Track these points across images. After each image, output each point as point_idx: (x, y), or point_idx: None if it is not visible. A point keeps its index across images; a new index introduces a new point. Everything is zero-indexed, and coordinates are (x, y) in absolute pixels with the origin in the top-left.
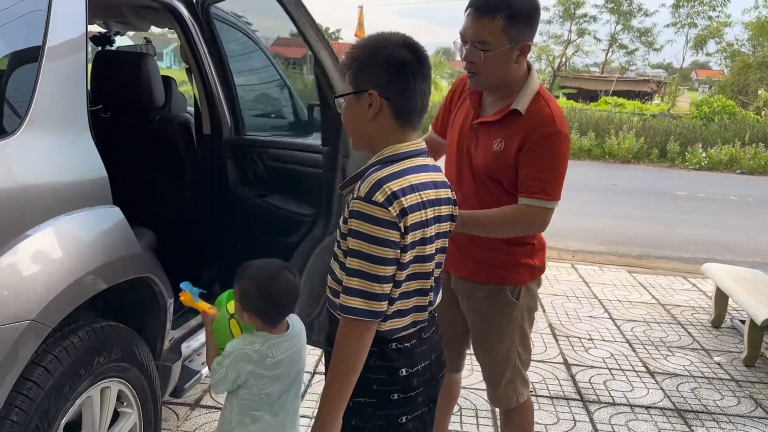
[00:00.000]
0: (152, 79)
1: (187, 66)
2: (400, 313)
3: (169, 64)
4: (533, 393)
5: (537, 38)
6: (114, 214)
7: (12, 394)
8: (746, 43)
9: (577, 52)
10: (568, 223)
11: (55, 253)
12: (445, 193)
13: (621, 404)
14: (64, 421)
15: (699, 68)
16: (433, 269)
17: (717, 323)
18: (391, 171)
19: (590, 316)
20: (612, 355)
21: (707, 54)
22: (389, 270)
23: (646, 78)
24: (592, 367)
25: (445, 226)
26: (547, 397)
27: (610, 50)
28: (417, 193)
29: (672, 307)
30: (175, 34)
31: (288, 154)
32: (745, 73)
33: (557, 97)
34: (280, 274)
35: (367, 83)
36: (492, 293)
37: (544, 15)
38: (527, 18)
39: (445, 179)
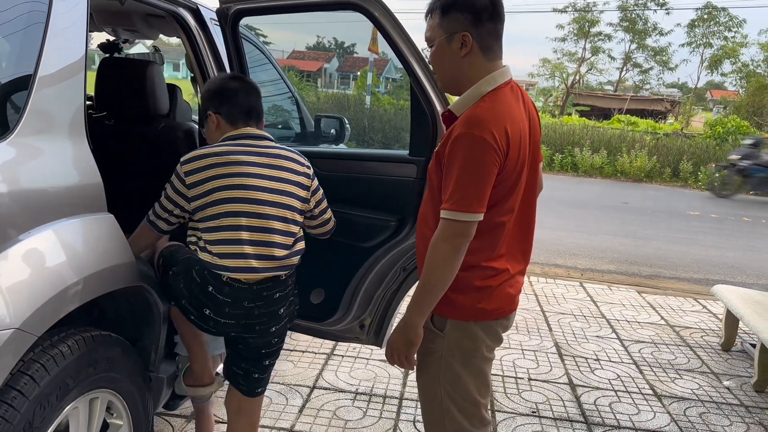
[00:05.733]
0: (156, 87)
1: (192, 75)
2: None
3: (185, 75)
4: (536, 414)
5: (551, 55)
6: (107, 222)
7: None
8: (762, 64)
9: (591, 69)
10: (577, 241)
11: (44, 261)
12: None
13: (626, 428)
14: None
15: (714, 88)
16: None
17: (727, 347)
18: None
19: (597, 336)
20: (618, 376)
21: (722, 74)
22: None
23: (660, 97)
24: (598, 388)
25: None
26: (550, 418)
27: (625, 69)
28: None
29: (681, 328)
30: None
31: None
32: (761, 94)
33: (569, 114)
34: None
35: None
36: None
37: (558, 33)
38: (463, 5)
39: None
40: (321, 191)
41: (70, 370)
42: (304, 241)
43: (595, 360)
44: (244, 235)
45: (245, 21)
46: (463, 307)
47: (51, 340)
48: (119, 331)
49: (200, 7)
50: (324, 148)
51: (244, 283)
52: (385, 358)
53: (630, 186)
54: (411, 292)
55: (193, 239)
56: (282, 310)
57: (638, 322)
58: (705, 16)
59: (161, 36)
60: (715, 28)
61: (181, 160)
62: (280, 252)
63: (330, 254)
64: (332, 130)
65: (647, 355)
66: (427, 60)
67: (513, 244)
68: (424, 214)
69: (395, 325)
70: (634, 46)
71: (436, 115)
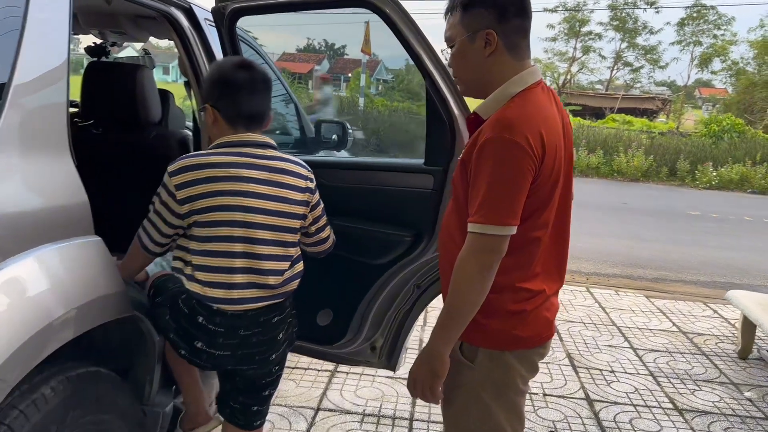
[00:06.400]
0: (147, 93)
1: (186, 79)
2: None
3: (175, 78)
4: None
5: (542, 55)
6: (95, 246)
7: None
8: (752, 61)
9: (582, 69)
10: (580, 243)
11: (23, 295)
12: None
13: None
14: None
15: (702, 86)
16: None
17: (744, 354)
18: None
19: (610, 346)
20: (636, 389)
21: (712, 72)
22: None
23: (651, 96)
24: (616, 403)
25: None
26: None
27: (615, 68)
28: None
29: (694, 335)
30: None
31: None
32: (751, 91)
33: None
34: None
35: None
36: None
37: (549, 32)
38: (488, 2)
39: None
40: (321, 206)
41: (54, 415)
42: (302, 261)
43: (610, 372)
44: (238, 262)
45: (243, 22)
46: (495, 334)
47: (31, 382)
48: (110, 362)
49: (194, 7)
50: (330, 156)
51: (237, 309)
52: (391, 374)
53: (628, 186)
54: (430, 314)
55: (179, 264)
56: (281, 335)
57: (650, 330)
58: (694, 15)
59: (151, 38)
60: (705, 26)
61: (170, 169)
62: (276, 279)
63: (338, 272)
64: (334, 136)
65: (663, 365)
66: (445, 62)
67: (548, 262)
68: (449, 228)
69: (408, 345)
70: (624, 45)
71: (455, 121)
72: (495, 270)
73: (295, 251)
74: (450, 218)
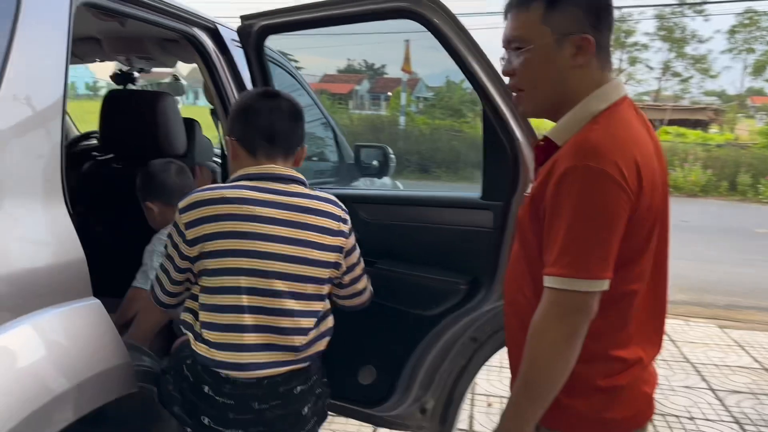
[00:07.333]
0: (171, 123)
1: (212, 107)
2: None
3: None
4: None
5: None
6: (93, 312)
7: None
8: None
9: (628, 80)
10: None
11: (5, 378)
12: None
13: None
14: None
15: (754, 95)
16: None
17: None
18: None
19: (686, 387)
20: None
21: (766, 80)
22: None
23: (702, 106)
24: None
25: None
26: None
27: (663, 78)
28: None
29: None
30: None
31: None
32: None
33: None
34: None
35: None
36: None
37: None
38: (582, 0)
39: None
40: (357, 252)
41: None
42: (332, 316)
43: (689, 419)
44: (247, 319)
45: (278, 43)
46: (581, 417)
47: None
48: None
49: (219, 27)
50: (371, 190)
51: (249, 376)
52: None
53: (685, 202)
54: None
55: (189, 319)
56: (306, 409)
57: (728, 366)
58: (746, 21)
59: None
60: (757, 33)
61: (180, 205)
62: (298, 340)
63: (382, 324)
64: (374, 162)
65: (748, 409)
66: (502, 70)
67: (646, 320)
68: (516, 278)
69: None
70: (672, 54)
71: (517, 147)
72: (583, 335)
73: (322, 305)
74: (517, 267)
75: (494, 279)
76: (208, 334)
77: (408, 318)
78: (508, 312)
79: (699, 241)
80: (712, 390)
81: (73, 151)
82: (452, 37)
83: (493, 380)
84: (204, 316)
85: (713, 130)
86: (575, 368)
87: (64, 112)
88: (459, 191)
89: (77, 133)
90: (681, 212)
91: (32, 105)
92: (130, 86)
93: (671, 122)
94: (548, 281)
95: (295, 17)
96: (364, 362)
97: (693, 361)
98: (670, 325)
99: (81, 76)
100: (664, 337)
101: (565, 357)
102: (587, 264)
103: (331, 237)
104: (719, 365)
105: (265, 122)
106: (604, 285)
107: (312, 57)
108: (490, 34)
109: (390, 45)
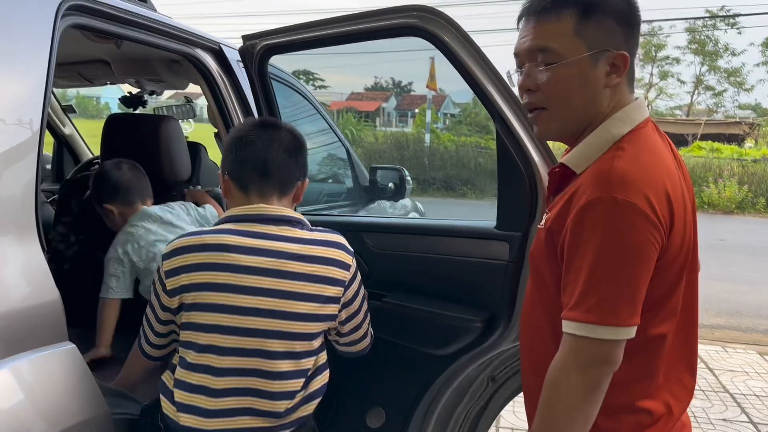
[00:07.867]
0: (174, 148)
1: (216, 130)
2: None
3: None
4: None
5: None
6: (67, 358)
7: None
8: None
9: (660, 95)
10: None
11: None
12: None
13: None
14: None
15: None
16: None
17: None
18: None
19: (724, 420)
20: None
21: None
22: None
23: (737, 120)
24: None
25: None
26: None
27: (696, 92)
28: None
29: None
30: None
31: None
32: None
33: None
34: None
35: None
36: None
37: None
38: (616, 9)
39: None
40: (358, 299)
41: None
42: (327, 369)
43: None
44: (220, 382)
45: (296, 62)
46: None
47: None
48: None
49: (223, 47)
50: (379, 217)
51: None
52: None
53: (721, 219)
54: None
55: (166, 377)
56: None
57: None
58: None
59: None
60: None
61: (163, 252)
62: (283, 404)
63: (392, 364)
64: (390, 184)
65: None
66: (521, 83)
67: (676, 367)
68: (532, 319)
69: None
70: (704, 68)
71: (535, 173)
72: (605, 389)
73: (311, 363)
74: (534, 307)
75: (512, 317)
76: (179, 394)
77: (419, 356)
78: (525, 353)
79: (736, 261)
80: (753, 423)
81: (78, 178)
82: (463, 56)
83: (519, 412)
84: (179, 373)
85: (748, 144)
86: (600, 421)
87: (41, 144)
88: (474, 220)
89: (90, 156)
90: (716, 230)
91: (3, 139)
92: (141, 109)
93: (704, 137)
94: (568, 327)
95: (298, 36)
96: (372, 403)
97: (732, 392)
98: (707, 351)
99: (115, 96)
100: (700, 365)
101: (584, 412)
102: (613, 309)
103: (328, 287)
104: (760, 396)
105: (259, 154)
106: (631, 333)
107: (338, 76)
108: (504, 53)
109: (418, 62)
